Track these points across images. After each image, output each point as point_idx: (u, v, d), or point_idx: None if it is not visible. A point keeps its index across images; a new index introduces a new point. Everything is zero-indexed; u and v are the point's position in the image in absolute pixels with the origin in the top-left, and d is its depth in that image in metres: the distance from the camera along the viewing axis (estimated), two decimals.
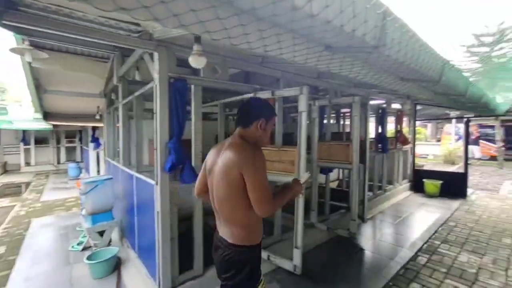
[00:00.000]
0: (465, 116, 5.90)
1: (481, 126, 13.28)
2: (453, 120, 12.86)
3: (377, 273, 2.93)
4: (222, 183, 1.28)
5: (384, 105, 5.24)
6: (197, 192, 1.51)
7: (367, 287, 2.72)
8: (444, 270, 2.97)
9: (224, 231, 1.36)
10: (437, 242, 3.68)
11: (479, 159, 12.57)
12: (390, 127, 6.27)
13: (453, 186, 6.05)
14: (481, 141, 12.72)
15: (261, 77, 3.41)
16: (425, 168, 8.61)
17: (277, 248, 3.06)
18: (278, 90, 2.69)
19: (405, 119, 6.38)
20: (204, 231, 2.61)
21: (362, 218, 3.80)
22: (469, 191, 6.46)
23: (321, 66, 1.61)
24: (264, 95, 2.75)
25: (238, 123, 1.39)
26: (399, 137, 5.87)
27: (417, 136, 8.00)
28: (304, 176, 1.58)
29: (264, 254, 2.78)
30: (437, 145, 15.02)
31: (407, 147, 6.44)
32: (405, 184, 6.48)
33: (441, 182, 6.06)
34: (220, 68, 2.68)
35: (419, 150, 15.43)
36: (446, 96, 2.71)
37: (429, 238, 3.82)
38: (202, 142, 2.47)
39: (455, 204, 5.52)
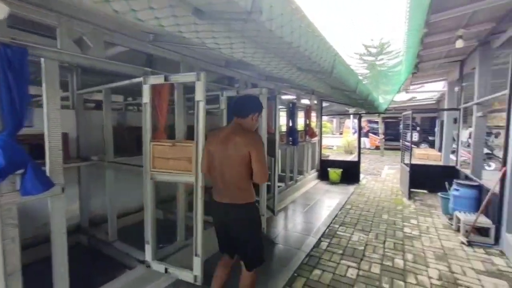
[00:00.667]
0: (358, 113, 6.87)
1: (369, 121, 16.14)
2: (351, 116, 15.19)
3: (286, 265, 2.94)
4: (233, 159, 1.71)
5: (295, 100, 5.49)
6: (206, 171, 1.95)
7: (276, 280, 2.67)
8: (340, 252, 3.23)
9: (229, 197, 1.79)
10: (336, 226, 4.05)
11: (369, 149, 15.31)
12: (300, 121, 6.70)
13: (350, 173, 6.98)
14: (370, 134, 15.50)
15: (170, 62, 2.80)
16: (330, 158, 9.74)
17: (180, 257, 2.68)
18: (172, 75, 2.26)
19: (313, 114, 6.93)
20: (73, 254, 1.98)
21: (273, 211, 3.83)
22: (361, 176, 7.62)
23: (189, 35, 1.30)
24: (157, 80, 2.28)
25: (237, 114, 1.83)
26: (308, 131, 6.32)
27: (323, 129, 8.92)
28: None
29: (160, 267, 2.36)
30: (340, 137, 17.51)
31: (315, 139, 7.05)
32: (314, 174, 7.10)
33: (341, 170, 6.90)
34: (92, 41, 2.06)
35: (325, 142, 17.67)
36: (341, 92, 2.92)
37: (331, 223, 4.17)
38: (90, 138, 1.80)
39: (351, 188, 6.36)
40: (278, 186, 5.27)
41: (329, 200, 5.39)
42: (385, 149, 13.91)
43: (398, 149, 14.72)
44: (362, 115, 6.73)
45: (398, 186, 6.56)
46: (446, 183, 4.70)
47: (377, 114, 12.80)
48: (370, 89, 4.76)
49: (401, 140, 6.52)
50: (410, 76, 6.61)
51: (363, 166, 9.64)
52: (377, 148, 14.94)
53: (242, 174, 1.74)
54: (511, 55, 3.31)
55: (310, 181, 6.78)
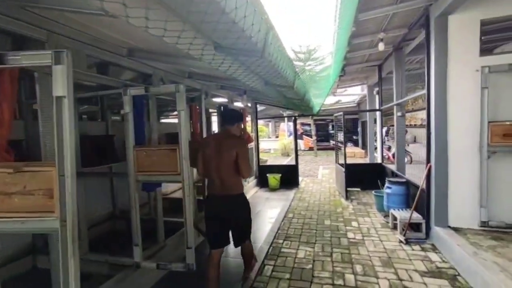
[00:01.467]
0: (293, 115, 6.80)
1: (302, 124, 16.98)
2: (286, 119, 15.63)
3: None
4: (227, 159, 2.16)
5: (226, 103, 4.94)
6: (202, 172, 2.34)
7: None
8: (287, 276, 2.77)
9: (226, 189, 2.21)
10: (280, 241, 3.62)
11: (303, 150, 16.02)
12: None
13: (289, 177, 6.82)
14: (304, 136, 16.26)
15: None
16: (268, 163, 9.56)
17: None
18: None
19: (248, 118, 6.52)
20: None
21: (204, 234, 3.15)
22: (300, 179, 7.59)
23: None
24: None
25: (227, 123, 2.35)
26: (244, 135, 5.84)
27: (260, 133, 8.64)
28: None
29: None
30: (276, 141, 17.90)
31: (251, 145, 6.64)
32: (252, 181, 6.67)
33: (280, 175, 6.66)
34: None
35: (263, 145, 17.83)
36: (276, 90, 2.52)
37: (274, 238, 3.72)
38: None
39: (291, 194, 6.16)
40: None
41: (270, 211, 4.98)
42: (318, 149, 14.76)
43: (329, 149, 15.99)
44: (297, 117, 6.68)
45: (335, 186, 6.70)
46: (379, 181, 4.87)
47: (309, 117, 13.43)
48: (306, 86, 4.58)
49: (334, 141, 6.69)
50: (338, 79, 6.90)
51: (300, 168, 9.80)
52: (311, 149, 15.76)
53: (234, 171, 2.18)
54: (426, 57, 3.49)
55: (249, 189, 6.31)
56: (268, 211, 4.92)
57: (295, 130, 6.85)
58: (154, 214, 3.34)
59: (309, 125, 16.06)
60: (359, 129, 15.00)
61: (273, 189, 6.58)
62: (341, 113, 5.34)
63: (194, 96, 3.83)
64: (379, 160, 7.27)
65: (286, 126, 16.83)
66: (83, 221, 2.86)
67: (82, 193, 2.82)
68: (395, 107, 5.00)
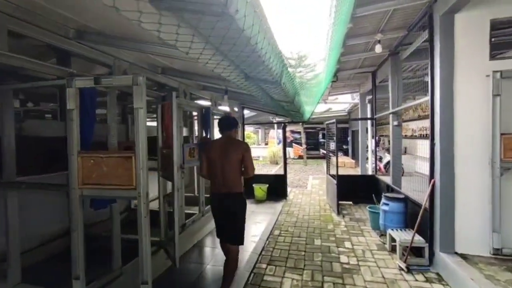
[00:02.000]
0: (283, 121, 6.38)
1: (292, 132, 16.66)
2: (275, 126, 15.24)
3: None
4: (231, 161, 2.36)
5: (209, 106, 4.45)
6: (206, 174, 2.53)
7: None
8: None
9: (229, 188, 2.38)
10: (264, 266, 3.11)
11: (293, 158, 15.64)
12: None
13: (277, 187, 6.33)
14: (293, 144, 15.91)
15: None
16: (256, 171, 9.06)
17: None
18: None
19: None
20: None
21: (174, 260, 2.60)
22: (288, 189, 7.12)
23: None
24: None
25: (227, 129, 2.52)
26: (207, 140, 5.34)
27: (248, 140, 8.16)
28: None
29: None
30: (266, 148, 17.46)
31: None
32: None
33: (267, 185, 6.17)
34: None
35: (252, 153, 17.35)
36: (256, 84, 2.06)
37: (256, 261, 3.21)
38: None
39: (279, 206, 5.66)
40: (191, 214, 4.04)
41: (254, 227, 4.46)
42: (308, 158, 14.40)
43: (318, 158, 15.70)
44: (286, 124, 6.25)
45: (325, 199, 6.26)
46: (373, 195, 4.46)
47: (300, 124, 13.11)
48: (296, 86, 4.16)
49: (325, 150, 6.28)
50: (330, 85, 6.56)
51: (289, 177, 9.34)
52: (300, 157, 15.40)
53: (237, 171, 2.43)
54: (430, 60, 3.14)
55: None
56: (252, 228, 4.39)
57: (285, 137, 6.42)
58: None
59: (299, 133, 15.75)
60: (349, 138, 14.79)
61: (259, 201, 6.07)
62: (334, 120, 4.96)
63: (166, 95, 3.32)
64: (370, 171, 6.96)
65: (275, 133, 16.45)
66: (14, 242, 2.25)
67: (13, 206, 2.23)
68: (390, 116, 4.65)
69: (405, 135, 11.27)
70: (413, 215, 3.32)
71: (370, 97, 8.04)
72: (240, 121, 6.46)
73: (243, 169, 2.45)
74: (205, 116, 4.06)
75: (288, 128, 18.09)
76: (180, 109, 3.63)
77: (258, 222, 4.68)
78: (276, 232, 4.20)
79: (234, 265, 2.47)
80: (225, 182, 2.36)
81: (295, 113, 5.45)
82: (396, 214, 3.60)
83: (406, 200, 3.65)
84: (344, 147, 15.34)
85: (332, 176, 5.53)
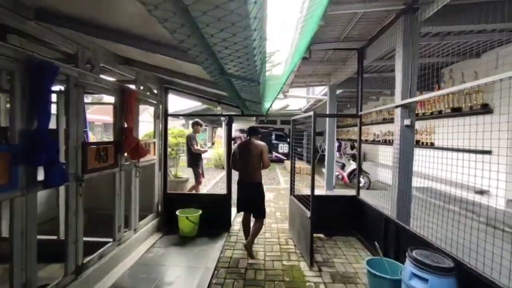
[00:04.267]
0: (228, 114, 4.21)
1: (242, 131, 14.63)
2: (223, 124, 12.95)
3: None
4: (254, 156, 3.26)
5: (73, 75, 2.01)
6: (233, 166, 3.52)
7: None
8: None
9: (252, 178, 3.30)
10: None
11: None
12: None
13: (216, 213, 4.15)
14: None
15: None
16: (190, 182, 6.70)
17: None
18: None
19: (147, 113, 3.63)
20: None
21: None
22: (234, 213, 4.99)
23: None
24: None
25: (253, 134, 3.44)
26: (127, 143, 2.92)
27: (177, 139, 5.76)
28: None
29: None
30: (212, 149, 15.04)
31: (151, 159, 3.74)
32: (150, 224, 3.74)
33: (200, 212, 3.92)
34: None
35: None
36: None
37: None
38: None
39: (216, 250, 3.48)
40: (97, 245, 1.56)
41: None
42: None
43: (271, 161, 13.99)
44: (233, 117, 4.12)
45: (286, 228, 4.34)
46: (376, 244, 2.64)
47: (252, 122, 11.18)
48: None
49: (290, 155, 4.33)
50: (296, 69, 4.70)
51: (235, 191, 7.25)
52: None
53: (258, 165, 3.29)
54: None
55: (140, 241, 3.37)
56: None
57: (230, 136, 4.28)
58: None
59: None
60: (304, 141, 13.49)
61: (185, 237, 3.78)
62: (311, 113, 3.04)
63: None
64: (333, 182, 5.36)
65: (224, 131, 14.18)
66: None
67: None
68: (397, 110, 2.94)
69: (366, 140, 10.40)
70: None
71: (341, 91, 6.54)
72: (162, 109, 4.07)
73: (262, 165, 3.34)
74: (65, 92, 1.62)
75: (235, 126, 16.02)
76: None
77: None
78: None
79: (259, 227, 3.36)
80: (249, 174, 3.31)
81: (253, 104, 3.37)
82: None
83: (457, 269, 1.87)
84: (299, 150, 14.01)
85: (301, 199, 3.62)
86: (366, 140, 9.83)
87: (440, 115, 5.14)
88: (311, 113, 3.08)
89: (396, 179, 2.92)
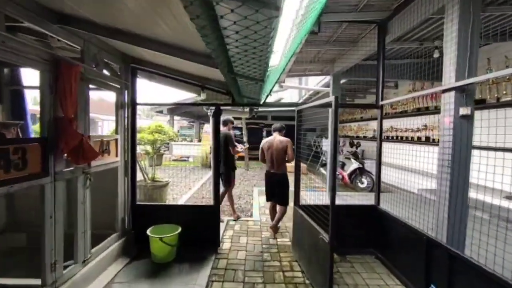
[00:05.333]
0: (215, 103, 3.31)
1: (233, 128, 13.69)
2: (211, 119, 11.98)
3: None
4: (280, 150, 3.64)
5: None
6: (266, 160, 3.83)
7: None
8: None
9: (277, 169, 3.70)
10: None
11: None
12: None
13: (201, 228, 3.27)
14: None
15: None
16: (174, 184, 5.77)
17: None
18: None
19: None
20: None
21: None
22: (223, 222, 4.13)
23: None
24: None
25: (278, 131, 3.85)
26: (65, 140, 1.97)
27: (155, 136, 4.80)
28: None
29: None
30: (199, 146, 14.03)
31: (108, 162, 2.78)
32: (114, 245, 2.81)
33: (178, 231, 3.02)
34: None
35: (180, 152, 13.72)
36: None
37: None
38: None
39: (202, 277, 2.61)
40: None
41: None
42: (250, 159, 11.71)
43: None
44: (220, 107, 3.19)
45: (288, 245, 3.52)
46: (433, 286, 1.86)
47: (241, 118, 10.30)
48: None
49: (296, 155, 3.47)
50: (298, 51, 3.85)
51: (224, 200, 6.36)
52: (241, 158, 12.65)
53: (283, 158, 3.67)
54: None
55: (93, 276, 2.44)
56: None
57: (217, 130, 3.36)
58: None
59: (240, 129, 12.97)
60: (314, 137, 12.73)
61: (160, 265, 2.88)
62: (331, 98, 2.21)
63: None
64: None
65: (211, 128, 13.21)
66: None
67: None
68: (446, 96, 2.15)
69: (364, 136, 9.76)
70: None
71: (345, 80, 5.77)
72: (128, 96, 3.11)
73: (286, 158, 3.70)
74: None
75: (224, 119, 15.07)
76: None
77: None
78: None
79: (283, 213, 3.76)
80: (275, 165, 3.70)
81: (251, 86, 2.48)
82: None
83: None
84: (302, 148, 13.22)
85: (309, 211, 2.80)
86: (364, 137, 9.19)
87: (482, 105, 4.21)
88: (331, 98, 2.24)
89: (445, 189, 2.15)
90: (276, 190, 3.74)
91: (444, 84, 2.18)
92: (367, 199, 5.16)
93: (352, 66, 5.10)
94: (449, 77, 2.13)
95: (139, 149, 5.06)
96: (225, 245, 3.49)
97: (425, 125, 5.96)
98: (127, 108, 3.06)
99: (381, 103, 3.20)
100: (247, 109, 9.18)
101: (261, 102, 3.53)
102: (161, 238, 2.80)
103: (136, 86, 3.20)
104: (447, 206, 2.13)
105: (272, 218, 3.93)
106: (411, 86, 6.30)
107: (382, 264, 3.05)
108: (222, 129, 4.18)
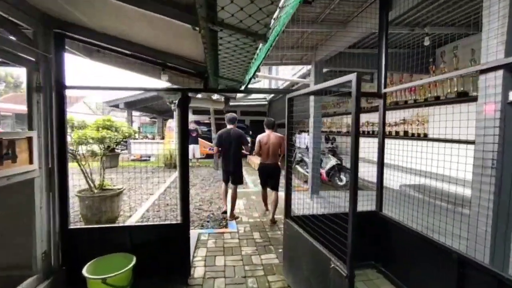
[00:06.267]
0: (181, 88, 2.50)
1: (198, 123, 12.67)
2: (175, 114, 10.80)
3: None
4: (275, 145, 4.17)
5: None
6: (260, 153, 4.24)
7: None
8: None
9: (271, 161, 4.22)
10: None
11: (198, 158, 11.67)
12: None
13: (165, 254, 2.46)
14: (200, 139, 11.90)
15: None
16: (130, 193, 4.78)
17: None
18: None
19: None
20: None
21: None
22: (194, 237, 3.35)
23: None
24: None
25: (270, 127, 4.32)
26: None
27: (108, 134, 3.78)
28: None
29: None
30: (162, 143, 12.70)
31: (15, 173, 1.83)
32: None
33: (133, 262, 2.18)
34: None
35: (139, 151, 12.30)
36: None
37: None
38: None
39: None
40: None
41: None
42: (219, 157, 10.86)
43: None
44: (187, 94, 2.39)
45: (276, 264, 2.89)
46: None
47: (209, 114, 9.41)
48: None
49: (290, 154, 2.78)
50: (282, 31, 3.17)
51: (194, 197, 5.52)
52: (209, 156, 11.77)
53: (278, 151, 4.19)
54: None
55: None
56: None
57: (185, 123, 2.55)
58: None
59: (208, 125, 12.04)
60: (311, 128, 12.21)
61: None
62: (353, 76, 1.61)
63: None
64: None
65: (175, 123, 11.97)
66: None
67: None
68: (485, 79, 1.69)
69: (338, 131, 9.59)
70: None
71: (327, 70, 5.30)
72: (52, 75, 2.14)
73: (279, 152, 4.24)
74: None
75: (192, 117, 13.93)
76: None
77: None
78: None
79: (277, 200, 4.17)
80: (270, 158, 4.18)
81: (243, 55, 1.74)
82: None
83: None
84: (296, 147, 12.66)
85: (308, 225, 2.18)
86: (339, 132, 9.00)
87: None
88: (351, 76, 1.62)
89: (487, 197, 1.69)
90: (270, 178, 4.31)
91: (483, 63, 1.71)
92: (361, 199, 4.81)
93: (335, 55, 4.65)
94: (492, 54, 1.66)
95: (83, 150, 3.98)
96: (198, 271, 2.73)
97: (404, 119, 5.83)
98: (49, 92, 2.10)
99: (383, 90, 2.71)
100: (217, 97, 8.23)
101: (243, 87, 2.73)
102: (105, 280, 1.94)
103: (64, 62, 2.24)
104: (490, 217, 1.67)
105: (265, 204, 4.67)
106: (389, 79, 6.10)
107: (387, 279, 2.60)
108: (230, 127, 4.41)
